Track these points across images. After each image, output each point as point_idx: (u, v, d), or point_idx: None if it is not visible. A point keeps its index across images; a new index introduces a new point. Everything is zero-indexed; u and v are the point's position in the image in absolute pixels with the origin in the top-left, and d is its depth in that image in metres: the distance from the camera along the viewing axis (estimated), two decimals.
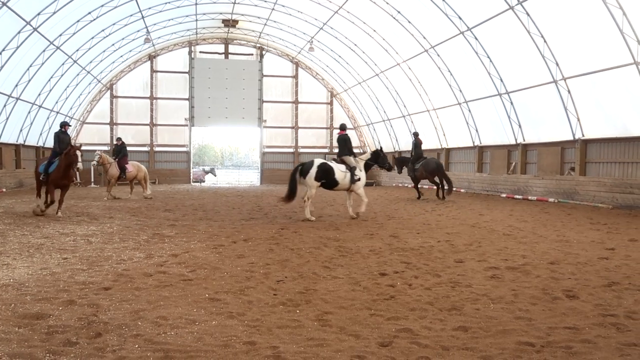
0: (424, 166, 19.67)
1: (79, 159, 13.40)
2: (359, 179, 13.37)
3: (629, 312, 5.14)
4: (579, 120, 18.52)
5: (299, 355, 4.01)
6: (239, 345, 4.20)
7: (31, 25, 20.84)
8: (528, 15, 17.90)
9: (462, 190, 25.48)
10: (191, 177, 35.92)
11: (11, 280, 6.23)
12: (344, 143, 13.75)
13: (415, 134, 21.04)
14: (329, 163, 13.34)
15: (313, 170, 12.87)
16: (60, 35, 23.58)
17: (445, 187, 19.46)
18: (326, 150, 36.37)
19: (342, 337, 4.44)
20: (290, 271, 7.00)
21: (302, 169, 13.09)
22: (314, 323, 4.82)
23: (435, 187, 20.45)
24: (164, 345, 4.18)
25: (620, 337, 4.43)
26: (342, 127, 14.45)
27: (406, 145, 29.09)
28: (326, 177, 12.99)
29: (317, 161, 13.21)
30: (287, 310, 5.24)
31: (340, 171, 13.12)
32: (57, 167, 13.36)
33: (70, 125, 14.90)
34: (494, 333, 4.55)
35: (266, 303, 5.45)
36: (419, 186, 20.69)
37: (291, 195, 12.71)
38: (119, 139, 19.63)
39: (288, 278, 6.60)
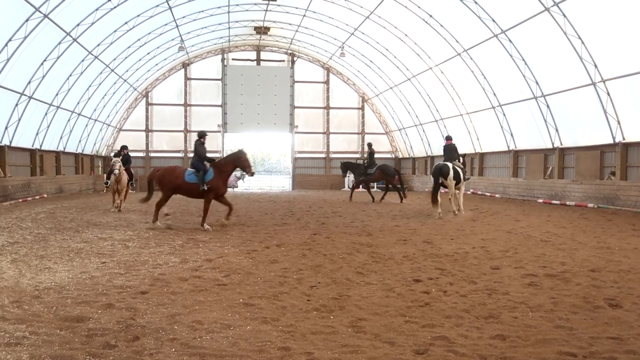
0: (382, 170, 22.34)
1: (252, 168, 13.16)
2: (468, 178, 16.59)
3: None
4: (619, 123, 17.96)
5: None
6: (273, 351, 4.21)
7: (71, 36, 21.52)
8: (564, 16, 17.49)
9: (497, 196, 25.03)
10: None
11: (53, 283, 6.41)
12: (453, 151, 16.04)
13: (369, 145, 23.80)
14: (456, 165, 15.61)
15: (451, 171, 15.15)
16: (99, 45, 24.28)
17: (397, 190, 22.03)
18: (357, 156, 36.27)
19: (377, 344, 4.39)
20: (323, 277, 6.98)
21: (443, 171, 15.26)
22: (347, 329, 4.79)
23: (383, 192, 23.58)
24: (199, 349, 4.22)
25: None
26: (449, 138, 16.65)
27: (438, 150, 28.70)
28: (456, 177, 15.30)
29: (448, 164, 15.40)
30: (321, 316, 5.23)
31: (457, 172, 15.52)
32: (215, 177, 12.51)
33: (207, 135, 14.06)
34: (533, 342, 4.43)
35: (300, 309, 5.45)
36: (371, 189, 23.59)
37: (435, 194, 15.06)
38: (125, 147, 18.28)
39: (321, 284, 6.58)
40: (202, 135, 13.38)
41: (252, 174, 12.99)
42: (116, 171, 16.53)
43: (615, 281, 6.67)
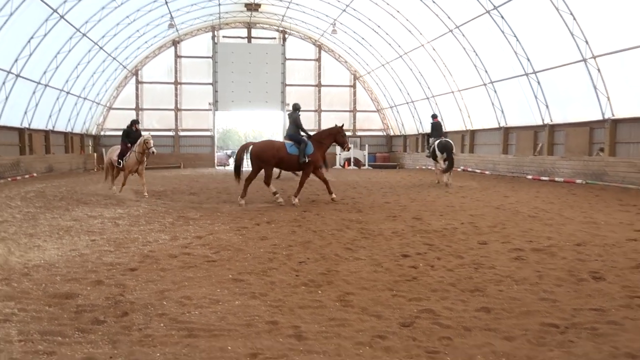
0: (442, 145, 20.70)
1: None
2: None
3: None
4: (608, 99, 18.01)
5: (320, 335, 4.05)
6: (261, 325, 4.26)
7: (58, 13, 21.14)
8: None
9: (487, 172, 25.16)
10: (215, 161, 36.26)
11: (42, 261, 6.42)
12: (440, 128, 18.82)
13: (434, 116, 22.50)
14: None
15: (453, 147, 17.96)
16: (87, 22, 23.88)
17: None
18: (349, 134, 36.21)
19: (364, 318, 4.46)
20: (312, 253, 7.04)
21: (450, 146, 17.74)
22: (335, 303, 4.85)
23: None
24: (188, 324, 4.26)
25: None
26: (435, 116, 19.38)
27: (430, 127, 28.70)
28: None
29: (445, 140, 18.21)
30: (309, 290, 5.28)
31: None
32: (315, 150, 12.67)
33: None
34: (517, 314, 4.51)
35: (288, 284, 5.51)
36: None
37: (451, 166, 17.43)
38: (137, 121, 15.80)
39: (310, 259, 6.64)
40: (297, 108, 13.38)
41: (348, 149, 14.03)
42: (153, 149, 14.20)
43: (599, 255, 6.77)
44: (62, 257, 6.68)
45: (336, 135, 13.08)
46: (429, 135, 20.26)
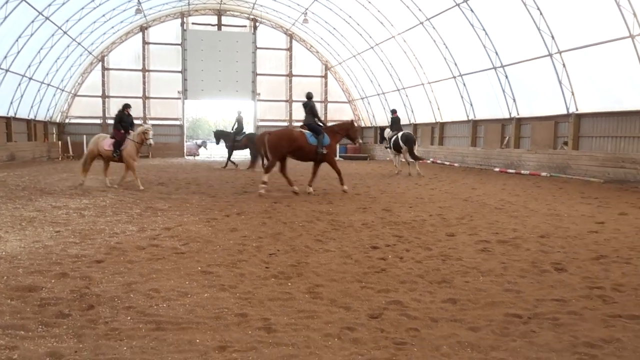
0: (249, 138, 22.74)
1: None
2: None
3: (615, 284, 5.22)
4: (573, 94, 18.48)
5: (289, 327, 4.06)
6: (230, 317, 4.25)
7: None
8: None
9: (455, 165, 25.55)
10: (185, 151, 35.77)
11: (3, 253, 6.24)
12: (399, 122, 20.12)
13: (239, 111, 24.32)
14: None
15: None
16: (50, 5, 23.12)
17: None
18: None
19: (333, 309, 4.49)
20: (282, 244, 7.04)
21: (412, 139, 19.07)
22: (305, 295, 4.87)
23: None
24: (156, 317, 4.22)
25: (605, 309, 4.51)
26: (395, 111, 20.93)
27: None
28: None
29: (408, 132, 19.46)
30: (279, 283, 5.29)
31: None
32: (331, 141, 13.12)
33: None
34: (482, 305, 4.62)
35: (258, 276, 5.50)
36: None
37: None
38: (128, 105, 14.72)
39: (280, 251, 6.64)
40: (311, 96, 13.68)
41: (358, 144, 14.94)
42: (151, 141, 13.72)
43: (562, 246, 6.98)
44: (24, 248, 6.51)
45: (349, 130, 13.68)
46: (382, 129, 22.12)
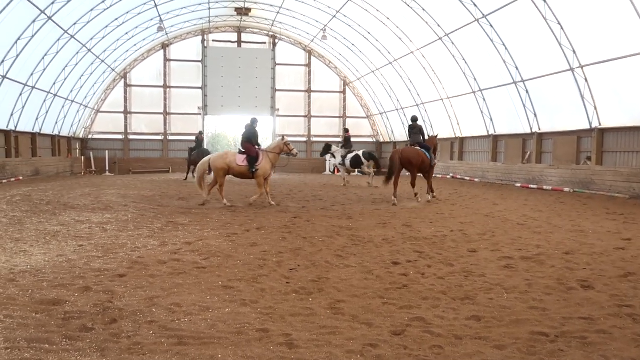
0: (198, 154, 23.63)
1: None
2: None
3: None
4: (595, 109, 18.23)
5: (311, 343, 4.03)
6: (252, 333, 4.23)
7: (45, 14, 20.97)
8: (545, 1, 17.58)
9: (476, 180, 25.31)
10: None
11: (28, 266, 6.33)
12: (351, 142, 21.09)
13: (200, 133, 26.61)
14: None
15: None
16: (75, 24, 23.71)
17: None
18: (339, 140, 36.25)
19: (355, 326, 4.44)
20: (302, 260, 7.01)
21: (375, 154, 20.58)
22: (326, 311, 4.83)
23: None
24: (178, 331, 4.22)
25: (636, 328, 4.38)
26: (347, 130, 23.61)
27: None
28: None
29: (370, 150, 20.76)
30: (300, 298, 5.26)
31: None
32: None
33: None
34: (507, 323, 4.53)
35: (279, 291, 5.48)
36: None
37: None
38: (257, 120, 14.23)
39: (301, 266, 6.61)
40: (416, 119, 15.62)
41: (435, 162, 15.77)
42: (295, 151, 14.00)
43: (588, 263, 6.83)
44: (49, 262, 6.59)
45: (435, 145, 15.81)
46: (327, 145, 23.87)
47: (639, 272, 6.33)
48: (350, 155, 22.02)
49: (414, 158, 14.26)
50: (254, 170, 13.26)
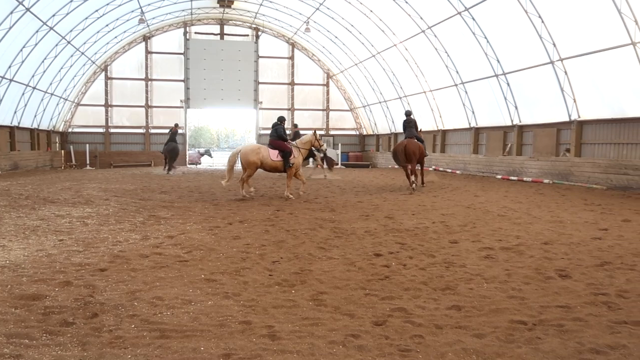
0: (167, 148, 25.67)
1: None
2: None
3: (620, 291, 5.21)
4: (575, 101, 18.49)
5: (294, 334, 4.06)
6: (234, 325, 4.24)
7: (24, 5, 20.57)
8: None
9: (457, 172, 25.54)
10: (187, 159, 35.83)
11: (7, 261, 6.25)
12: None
13: (175, 125, 27.07)
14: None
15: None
16: (54, 15, 23.28)
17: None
18: (322, 132, 36.25)
19: (337, 317, 4.48)
20: (285, 252, 7.03)
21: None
22: (309, 303, 4.86)
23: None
24: (160, 325, 4.21)
25: (611, 315, 4.49)
26: (296, 126, 23.64)
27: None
28: None
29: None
30: (283, 290, 5.28)
31: None
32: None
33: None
34: (487, 312, 4.61)
35: (262, 283, 5.49)
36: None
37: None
38: (284, 118, 14.72)
39: (283, 259, 6.63)
40: (410, 113, 16.78)
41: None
42: (325, 146, 14.65)
43: (566, 253, 6.96)
44: (28, 257, 6.52)
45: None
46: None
47: (615, 261, 6.48)
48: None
49: (417, 150, 15.44)
50: (290, 165, 13.61)
